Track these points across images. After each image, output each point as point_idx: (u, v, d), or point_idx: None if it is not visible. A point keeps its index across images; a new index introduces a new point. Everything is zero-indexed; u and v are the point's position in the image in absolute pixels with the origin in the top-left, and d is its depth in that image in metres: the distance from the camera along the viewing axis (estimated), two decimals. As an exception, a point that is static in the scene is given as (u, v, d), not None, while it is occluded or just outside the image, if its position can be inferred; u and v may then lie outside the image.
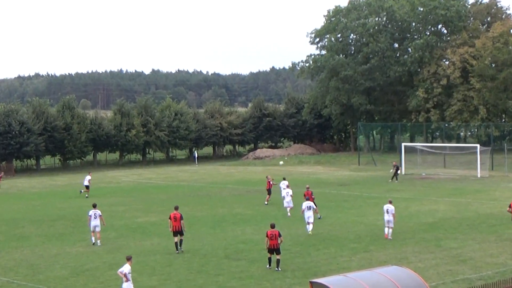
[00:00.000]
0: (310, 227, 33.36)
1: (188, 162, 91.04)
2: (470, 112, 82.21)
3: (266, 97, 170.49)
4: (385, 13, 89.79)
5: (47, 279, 25.73)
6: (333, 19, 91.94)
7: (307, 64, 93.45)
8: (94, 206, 32.67)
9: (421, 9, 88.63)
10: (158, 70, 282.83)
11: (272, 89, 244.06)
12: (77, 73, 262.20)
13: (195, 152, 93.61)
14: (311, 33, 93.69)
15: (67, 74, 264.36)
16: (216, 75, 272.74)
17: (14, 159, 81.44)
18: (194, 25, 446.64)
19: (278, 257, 26.14)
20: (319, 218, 37.28)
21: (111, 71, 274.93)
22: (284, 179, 45.30)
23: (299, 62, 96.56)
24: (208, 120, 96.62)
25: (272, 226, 26.71)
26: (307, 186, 40.67)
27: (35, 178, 73.19)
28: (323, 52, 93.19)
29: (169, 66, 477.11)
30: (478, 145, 64.59)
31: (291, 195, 40.60)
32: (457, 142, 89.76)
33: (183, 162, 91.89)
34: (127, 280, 21.68)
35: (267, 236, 26.32)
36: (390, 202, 32.66)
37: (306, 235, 32.85)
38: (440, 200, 45.68)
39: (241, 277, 25.21)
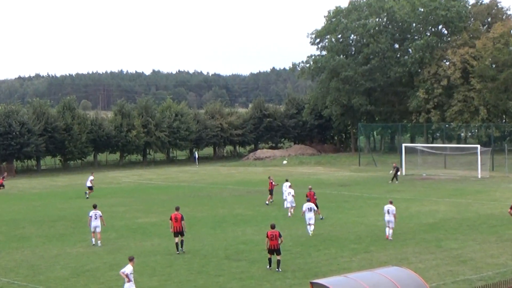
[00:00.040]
0: (311, 229, 33.35)
1: (188, 163, 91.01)
2: (470, 112, 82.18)
3: (267, 97, 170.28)
4: (385, 14, 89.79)
5: (47, 280, 25.73)
6: (333, 19, 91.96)
7: (308, 65, 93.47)
8: (95, 207, 32.70)
9: (422, 9, 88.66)
10: (159, 71, 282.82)
11: (272, 89, 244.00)
12: (77, 74, 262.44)
13: (196, 152, 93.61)
14: (312, 33, 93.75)
15: (68, 74, 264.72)
16: (217, 76, 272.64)
17: (14, 160, 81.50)
18: (194, 25, 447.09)
19: (278, 257, 26.12)
20: (321, 219, 37.29)
21: (111, 72, 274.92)
22: (286, 180, 45.27)
23: (299, 63, 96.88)
24: (208, 120, 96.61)
25: (272, 227, 26.69)
26: (310, 186, 40.56)
27: (35, 179, 73.20)
28: (324, 52, 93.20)
29: (169, 66, 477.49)
30: (478, 146, 64.64)
31: (293, 195, 40.63)
32: (458, 143, 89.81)
33: (184, 163, 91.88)
34: (129, 280, 21.65)
35: (267, 236, 26.31)
36: (391, 203, 32.67)
37: (307, 236, 32.85)
38: (441, 201, 45.65)
39: (242, 278, 25.20)
